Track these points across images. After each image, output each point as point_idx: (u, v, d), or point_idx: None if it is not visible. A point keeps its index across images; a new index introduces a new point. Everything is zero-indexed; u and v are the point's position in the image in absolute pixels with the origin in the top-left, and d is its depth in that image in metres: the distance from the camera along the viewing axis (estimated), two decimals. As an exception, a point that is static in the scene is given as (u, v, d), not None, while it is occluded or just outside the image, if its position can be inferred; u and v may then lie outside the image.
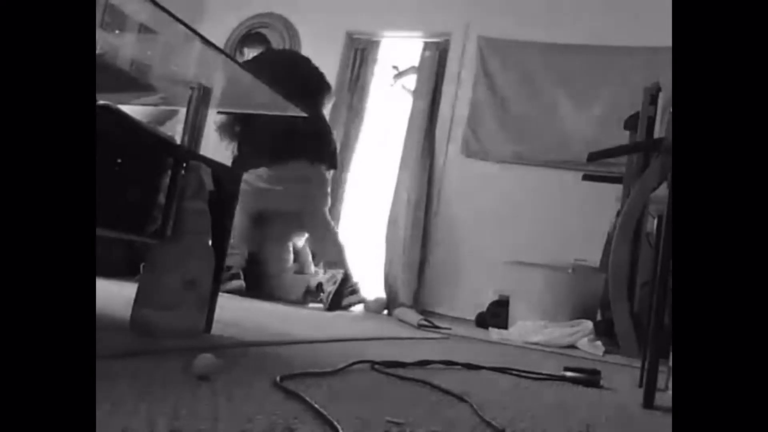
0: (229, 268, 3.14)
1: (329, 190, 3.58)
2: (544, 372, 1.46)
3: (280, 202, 3.36)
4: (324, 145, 3.50)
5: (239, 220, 3.25)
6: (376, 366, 1.16)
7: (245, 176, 2.77)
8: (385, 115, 4.66)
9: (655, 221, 1.76)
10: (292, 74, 3.30)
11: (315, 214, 3.49)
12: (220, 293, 3.17)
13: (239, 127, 3.44)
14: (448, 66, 4.35)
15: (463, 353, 1.81)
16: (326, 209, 3.57)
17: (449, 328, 2.83)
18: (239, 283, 3.14)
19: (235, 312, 2.03)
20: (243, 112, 3.23)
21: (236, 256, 3.22)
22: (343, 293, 3.25)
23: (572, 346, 2.67)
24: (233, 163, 3.37)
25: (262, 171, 3.29)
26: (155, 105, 1.74)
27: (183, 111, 1.42)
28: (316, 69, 3.57)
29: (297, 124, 3.38)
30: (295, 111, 1.54)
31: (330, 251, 3.50)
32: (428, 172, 4.20)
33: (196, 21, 4.75)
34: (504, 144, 4.08)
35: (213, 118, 3.33)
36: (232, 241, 3.26)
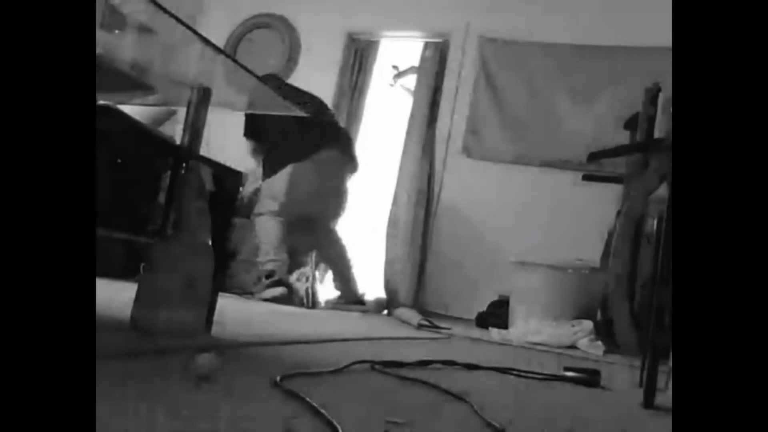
0: (272, 273, 3.06)
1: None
2: (544, 372, 1.46)
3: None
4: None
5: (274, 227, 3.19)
6: (376, 366, 1.16)
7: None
8: (385, 115, 4.66)
9: (655, 221, 1.76)
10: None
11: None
12: (262, 299, 2.97)
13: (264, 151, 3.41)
14: (448, 66, 4.34)
15: (463, 353, 1.81)
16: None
17: (449, 328, 2.83)
18: (282, 289, 3.02)
19: (236, 312, 2.03)
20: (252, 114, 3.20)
21: (278, 263, 3.11)
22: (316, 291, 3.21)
23: (572, 346, 2.66)
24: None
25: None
26: (155, 105, 1.74)
27: (183, 111, 1.43)
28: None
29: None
30: (295, 111, 1.54)
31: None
32: (428, 172, 4.20)
33: (196, 21, 4.75)
34: (504, 144, 4.08)
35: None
36: (266, 246, 3.15)
